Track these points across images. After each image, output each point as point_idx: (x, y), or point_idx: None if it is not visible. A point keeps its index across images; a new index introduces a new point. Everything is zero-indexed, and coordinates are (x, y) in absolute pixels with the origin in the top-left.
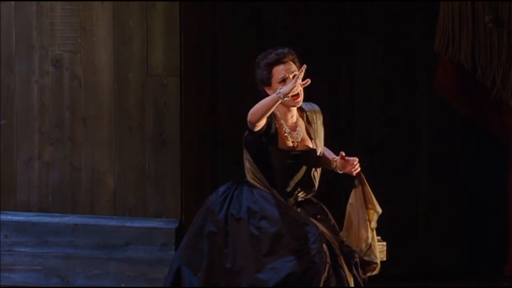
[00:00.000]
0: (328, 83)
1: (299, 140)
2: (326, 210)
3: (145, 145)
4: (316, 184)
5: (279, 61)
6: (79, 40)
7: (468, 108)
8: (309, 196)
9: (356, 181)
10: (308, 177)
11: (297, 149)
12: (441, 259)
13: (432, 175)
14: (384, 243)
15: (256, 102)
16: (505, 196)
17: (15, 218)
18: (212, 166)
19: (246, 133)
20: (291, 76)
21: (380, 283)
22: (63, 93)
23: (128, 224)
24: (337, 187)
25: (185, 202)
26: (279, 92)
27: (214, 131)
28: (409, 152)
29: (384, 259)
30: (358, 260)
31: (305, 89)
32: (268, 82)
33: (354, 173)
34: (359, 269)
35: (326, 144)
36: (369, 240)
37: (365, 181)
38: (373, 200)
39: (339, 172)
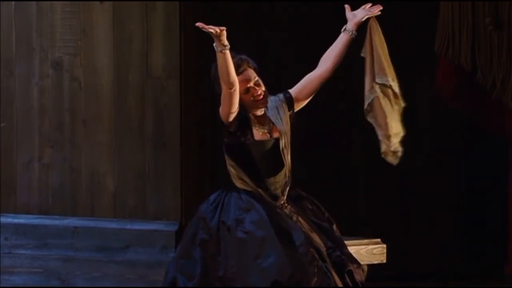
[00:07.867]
0: (326, 83)
1: (272, 130)
2: (317, 202)
3: (145, 147)
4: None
5: (237, 73)
6: (79, 42)
7: (468, 109)
8: (288, 187)
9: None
10: (287, 168)
11: (272, 137)
12: (441, 259)
13: (432, 174)
14: (384, 245)
15: None
16: (505, 195)
17: (15, 220)
18: (212, 168)
19: (224, 139)
20: (252, 84)
21: (380, 284)
22: (63, 95)
23: (128, 227)
24: (319, 176)
25: (185, 205)
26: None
27: (214, 133)
28: (409, 151)
29: (384, 261)
30: (352, 268)
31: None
32: None
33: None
34: (355, 277)
35: (324, 147)
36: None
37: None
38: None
39: (354, 32)
